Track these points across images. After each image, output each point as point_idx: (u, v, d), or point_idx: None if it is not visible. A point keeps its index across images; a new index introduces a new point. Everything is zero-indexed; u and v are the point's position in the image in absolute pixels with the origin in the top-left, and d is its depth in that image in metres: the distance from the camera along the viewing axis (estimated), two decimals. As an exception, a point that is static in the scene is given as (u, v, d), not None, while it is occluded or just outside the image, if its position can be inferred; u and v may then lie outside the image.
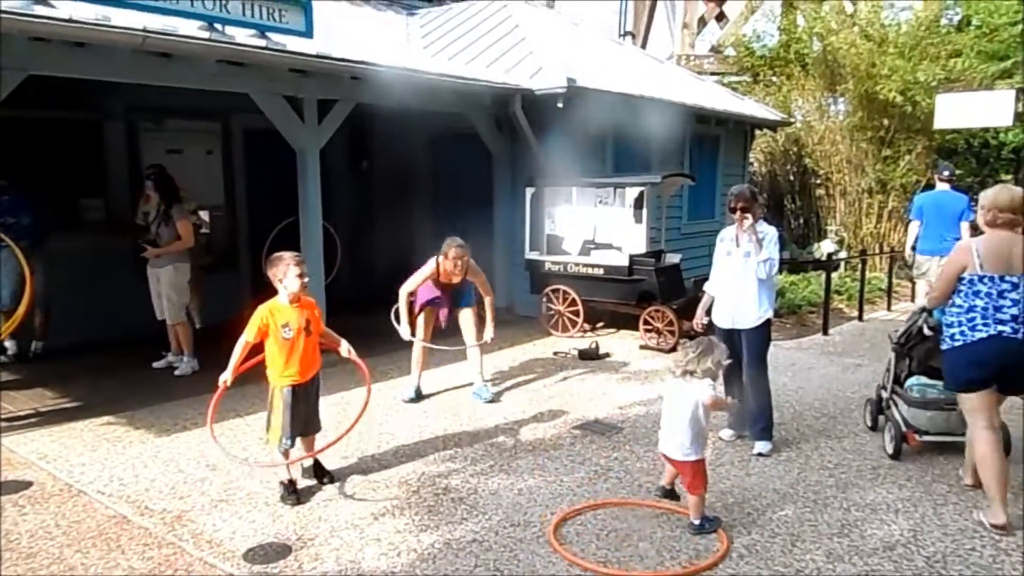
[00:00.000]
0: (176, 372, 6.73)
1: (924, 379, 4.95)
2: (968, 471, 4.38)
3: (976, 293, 3.98)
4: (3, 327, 6.28)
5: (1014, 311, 3.90)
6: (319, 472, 4.52)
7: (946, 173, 8.27)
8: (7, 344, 6.99)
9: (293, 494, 4.25)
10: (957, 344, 4.04)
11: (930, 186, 8.70)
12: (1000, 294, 3.93)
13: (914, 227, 8.28)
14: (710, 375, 3.91)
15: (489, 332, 6.02)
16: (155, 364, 6.89)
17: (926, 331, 4.82)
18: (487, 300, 6.07)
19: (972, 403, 4.04)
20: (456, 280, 5.97)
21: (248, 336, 4.21)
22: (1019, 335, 3.90)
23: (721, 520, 3.92)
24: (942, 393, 4.68)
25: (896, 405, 5.01)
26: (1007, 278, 3.93)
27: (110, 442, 5.14)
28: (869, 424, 5.43)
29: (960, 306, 4.03)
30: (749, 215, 4.82)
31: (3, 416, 5.53)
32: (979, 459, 4.04)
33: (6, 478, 4.52)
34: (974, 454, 4.13)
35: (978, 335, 3.95)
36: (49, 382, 6.40)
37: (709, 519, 3.89)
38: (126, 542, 3.78)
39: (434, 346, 6.03)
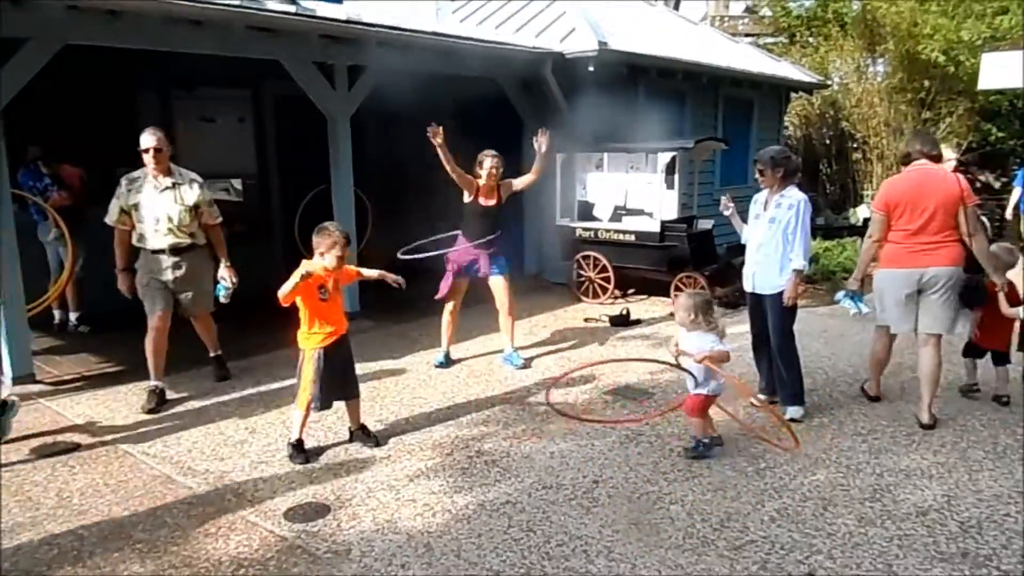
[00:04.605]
0: None
1: None
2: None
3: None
4: (49, 295, 6.45)
5: None
6: (365, 435, 4.59)
7: None
8: (56, 312, 7.14)
9: (301, 453, 4.38)
10: None
11: None
12: None
13: (1016, 192, 10.51)
14: (715, 330, 4.29)
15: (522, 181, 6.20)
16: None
17: None
18: (531, 177, 6.17)
19: None
20: (493, 198, 6.03)
21: (285, 290, 4.11)
22: None
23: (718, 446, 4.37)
24: None
25: None
26: None
27: (153, 405, 5.28)
28: None
29: None
30: (764, 177, 4.87)
31: (49, 380, 5.71)
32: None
33: (55, 440, 4.69)
34: None
35: None
36: (92, 348, 6.57)
37: (705, 443, 4.34)
38: (171, 500, 3.91)
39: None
